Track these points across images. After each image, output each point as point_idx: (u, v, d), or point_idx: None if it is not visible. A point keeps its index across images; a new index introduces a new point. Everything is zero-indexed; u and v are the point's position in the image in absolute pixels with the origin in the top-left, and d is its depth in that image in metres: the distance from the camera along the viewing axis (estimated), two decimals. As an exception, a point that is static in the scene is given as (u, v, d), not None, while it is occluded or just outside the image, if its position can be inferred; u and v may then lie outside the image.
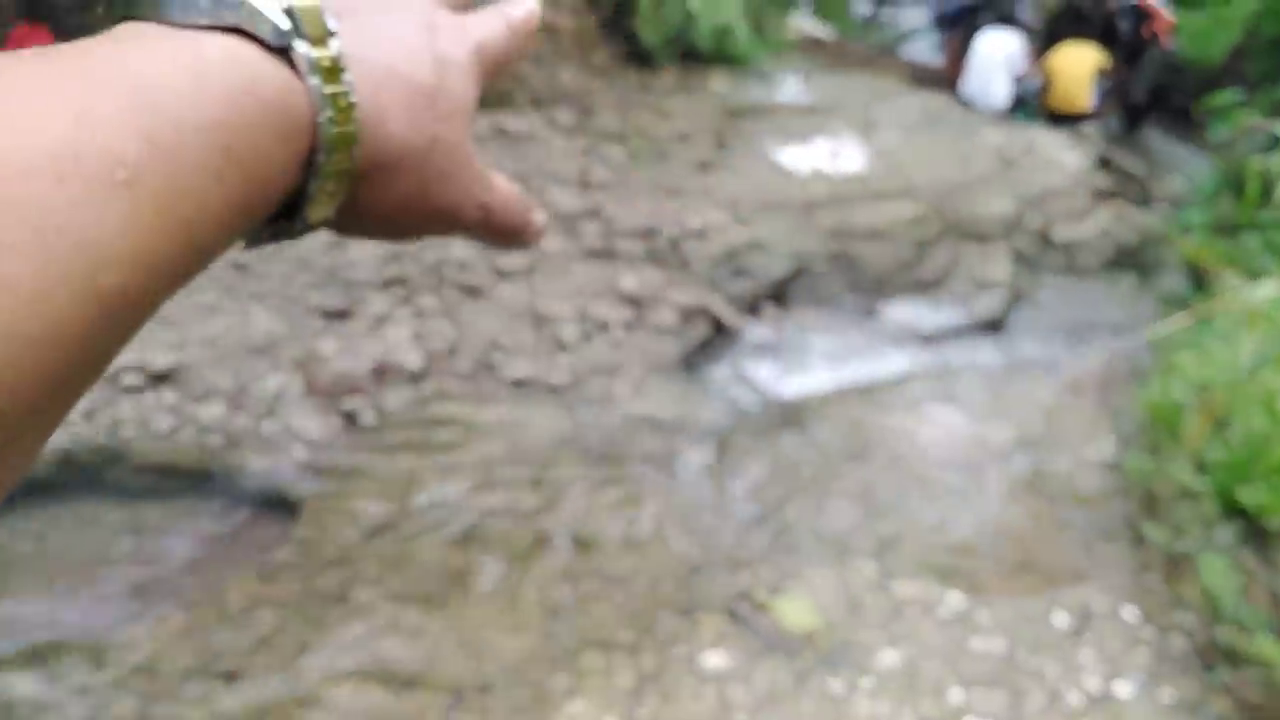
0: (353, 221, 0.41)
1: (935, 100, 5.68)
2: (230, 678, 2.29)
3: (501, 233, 0.47)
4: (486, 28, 0.46)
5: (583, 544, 2.71)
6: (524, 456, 3.11)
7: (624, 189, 4.19)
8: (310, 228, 0.38)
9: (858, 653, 2.34)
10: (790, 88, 5.74)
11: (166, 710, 2.21)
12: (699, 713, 2.08)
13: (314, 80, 0.34)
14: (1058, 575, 2.62)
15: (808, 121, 5.17)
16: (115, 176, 0.28)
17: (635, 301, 3.70)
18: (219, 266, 3.53)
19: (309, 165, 0.35)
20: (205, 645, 2.38)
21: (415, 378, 3.43)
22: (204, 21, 0.32)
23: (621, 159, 4.43)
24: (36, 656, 2.34)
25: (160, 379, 3.13)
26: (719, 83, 5.52)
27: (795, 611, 2.45)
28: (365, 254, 3.79)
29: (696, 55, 5.45)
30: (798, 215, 4.23)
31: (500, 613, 2.43)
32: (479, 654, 2.34)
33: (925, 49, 7.32)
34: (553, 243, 3.93)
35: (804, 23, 7.27)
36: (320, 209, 0.37)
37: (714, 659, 2.25)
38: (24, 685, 2.27)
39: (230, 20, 0.32)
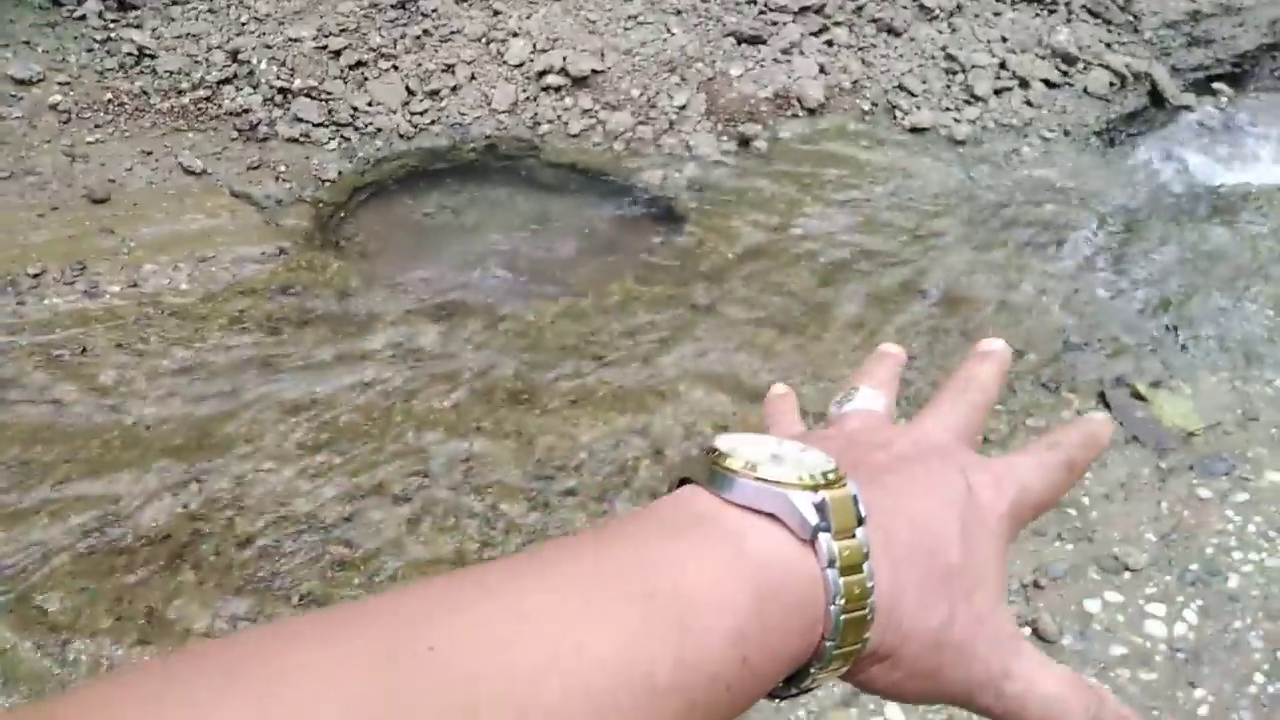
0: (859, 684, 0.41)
1: None
2: (599, 359, 2.50)
3: None
4: (1034, 473, 0.45)
5: (952, 300, 2.62)
6: (909, 204, 3.01)
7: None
8: (806, 692, 0.40)
9: (1240, 466, 2.13)
10: None
11: (541, 376, 2.47)
12: (1041, 483, 2.01)
13: (832, 571, 0.36)
14: None
15: None
16: (639, 691, 0.32)
17: (1066, 58, 3.35)
18: (642, -22, 3.59)
19: (817, 647, 0.37)
20: (583, 329, 2.60)
21: (814, 111, 3.36)
22: (746, 503, 0.36)
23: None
24: (443, 314, 2.67)
25: (579, 82, 3.30)
26: None
27: (1176, 409, 2.26)
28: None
29: None
30: (1290, -21, 3.58)
31: (854, 350, 2.44)
32: (828, 383, 2.38)
33: None
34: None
35: None
36: (820, 681, 0.39)
37: (1070, 436, 2.14)
38: (430, 335, 2.60)
39: (768, 507, 0.36)
